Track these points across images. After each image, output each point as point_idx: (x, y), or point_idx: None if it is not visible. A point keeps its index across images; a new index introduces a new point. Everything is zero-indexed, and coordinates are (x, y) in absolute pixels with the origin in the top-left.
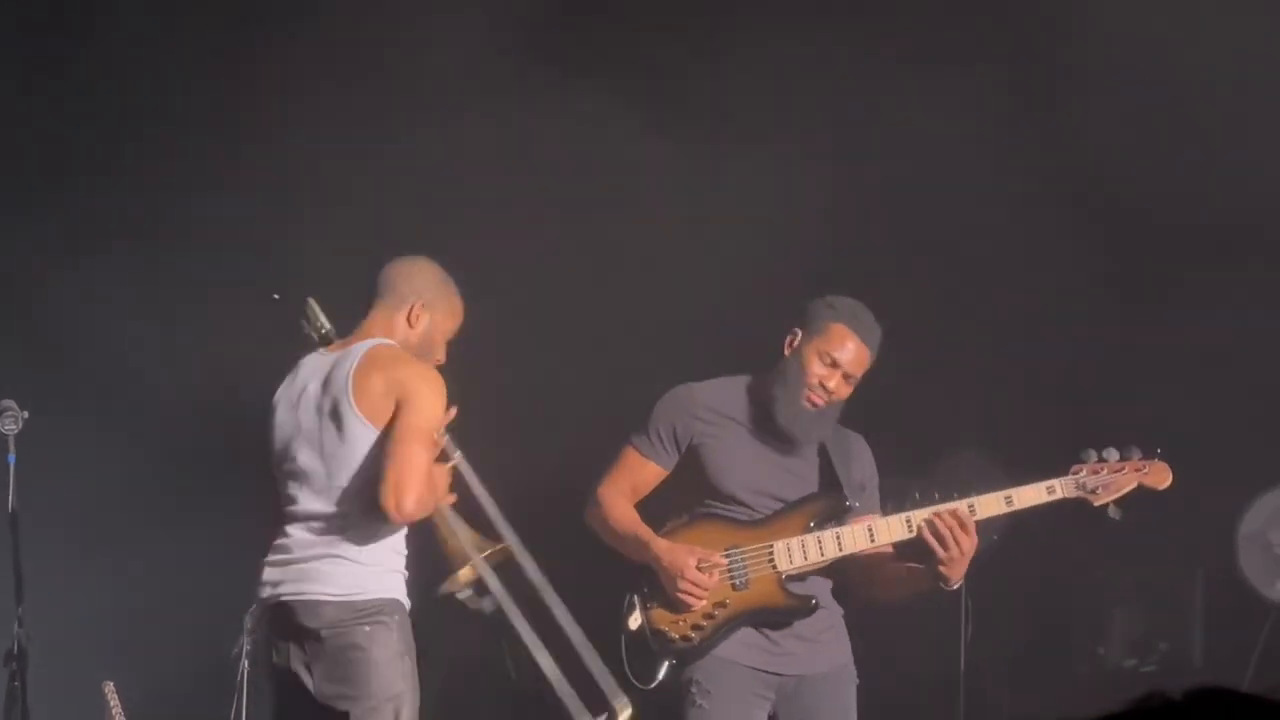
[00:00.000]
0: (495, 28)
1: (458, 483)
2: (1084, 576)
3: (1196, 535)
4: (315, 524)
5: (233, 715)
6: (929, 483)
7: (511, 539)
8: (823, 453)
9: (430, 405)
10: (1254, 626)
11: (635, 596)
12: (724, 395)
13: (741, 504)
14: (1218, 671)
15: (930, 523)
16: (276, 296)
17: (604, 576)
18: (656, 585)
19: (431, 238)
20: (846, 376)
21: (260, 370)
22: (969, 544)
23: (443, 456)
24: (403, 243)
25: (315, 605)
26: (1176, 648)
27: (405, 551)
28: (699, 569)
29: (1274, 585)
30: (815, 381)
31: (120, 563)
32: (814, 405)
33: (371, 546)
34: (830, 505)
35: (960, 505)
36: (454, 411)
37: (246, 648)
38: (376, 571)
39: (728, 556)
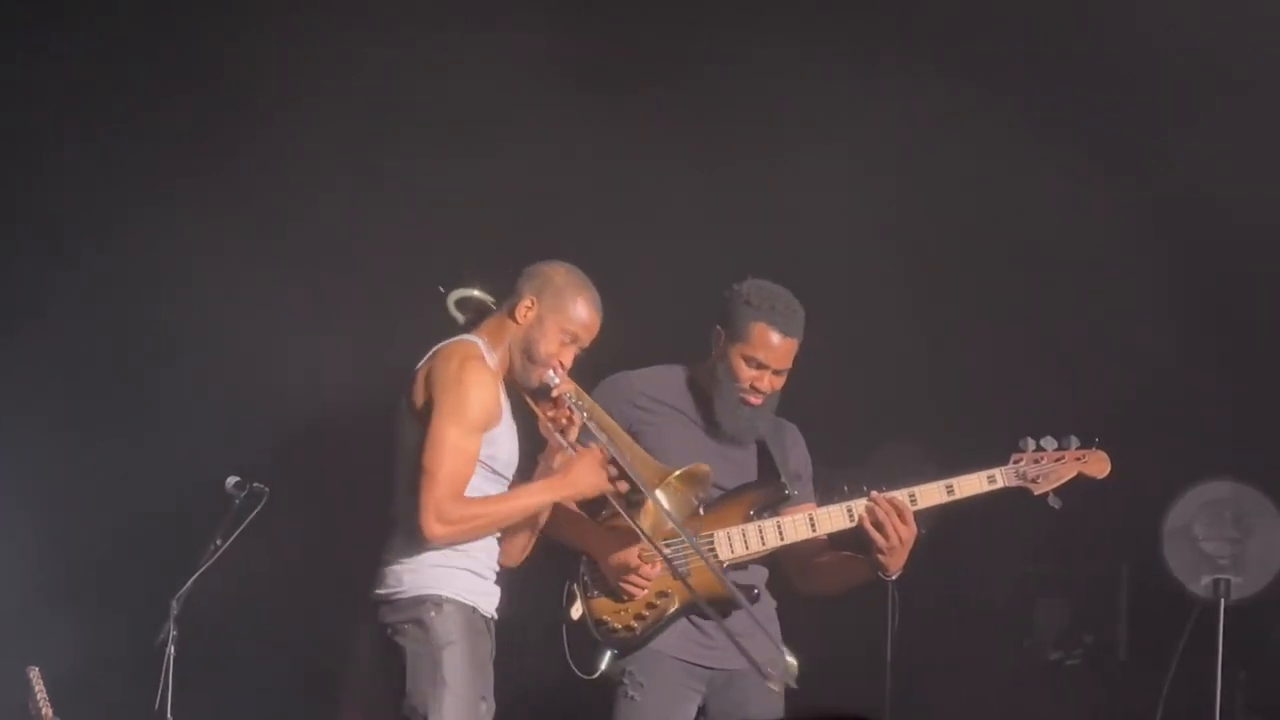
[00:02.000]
0: (524, 46)
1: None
2: (1010, 569)
3: (1122, 529)
4: (390, 525)
5: (158, 701)
6: (860, 474)
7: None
8: (760, 441)
9: (457, 408)
10: (1179, 620)
11: (576, 586)
12: (661, 383)
13: None
14: (1142, 664)
15: (870, 511)
16: (441, 289)
17: (546, 564)
18: (598, 575)
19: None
20: (777, 372)
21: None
22: (908, 533)
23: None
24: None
25: (370, 606)
26: (1101, 641)
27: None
28: (641, 558)
29: (1199, 579)
30: (747, 385)
31: (46, 546)
32: (751, 405)
33: (414, 544)
34: (769, 494)
35: (900, 495)
36: (565, 386)
37: (173, 634)
38: (415, 567)
39: (669, 546)
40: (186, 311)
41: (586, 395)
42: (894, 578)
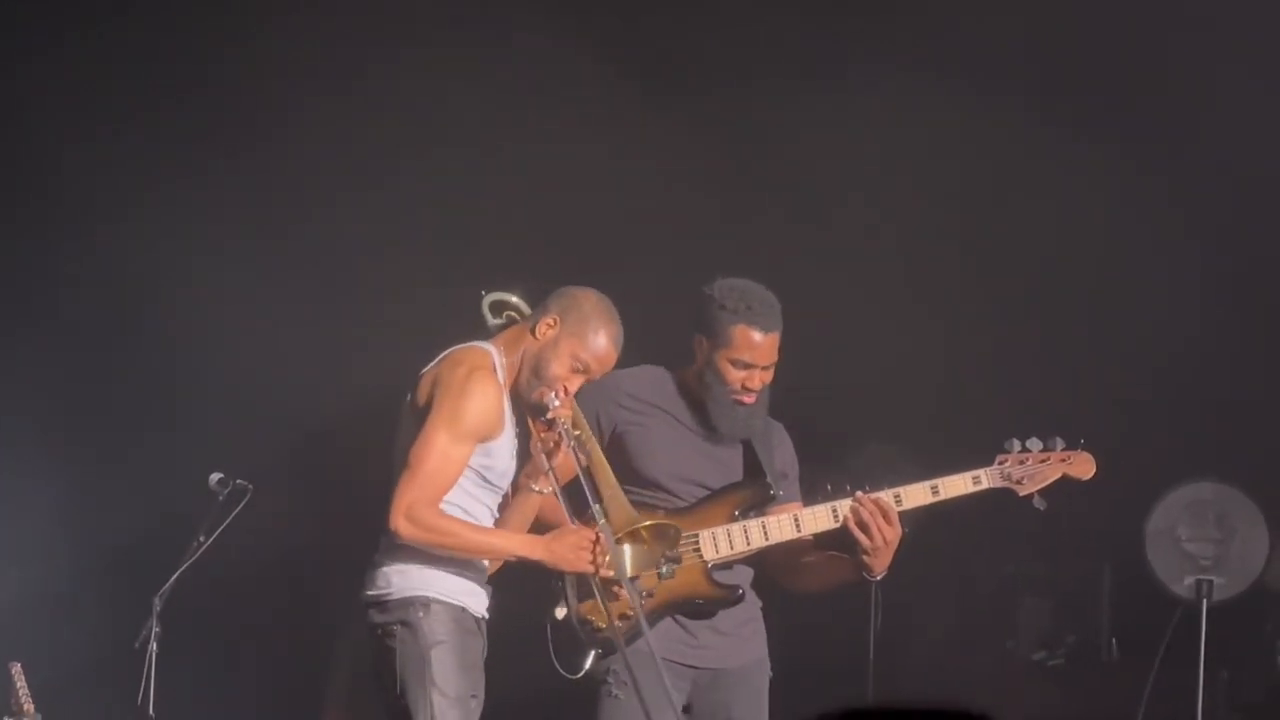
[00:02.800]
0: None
1: None
2: (993, 569)
3: (1105, 530)
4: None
5: (140, 699)
6: (847, 474)
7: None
8: (746, 440)
9: (454, 413)
10: (1161, 620)
11: (561, 585)
12: (647, 383)
13: (665, 491)
14: (1125, 665)
15: (855, 512)
16: (484, 293)
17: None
18: (582, 575)
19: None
20: (765, 368)
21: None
22: (893, 534)
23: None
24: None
25: (360, 608)
26: (1084, 641)
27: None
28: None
29: (1181, 580)
30: (739, 387)
31: (30, 542)
32: (745, 404)
33: (403, 546)
34: (755, 494)
35: (885, 495)
36: (563, 411)
37: (156, 631)
38: (403, 569)
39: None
40: (186, 311)
41: (585, 425)
42: (879, 578)
